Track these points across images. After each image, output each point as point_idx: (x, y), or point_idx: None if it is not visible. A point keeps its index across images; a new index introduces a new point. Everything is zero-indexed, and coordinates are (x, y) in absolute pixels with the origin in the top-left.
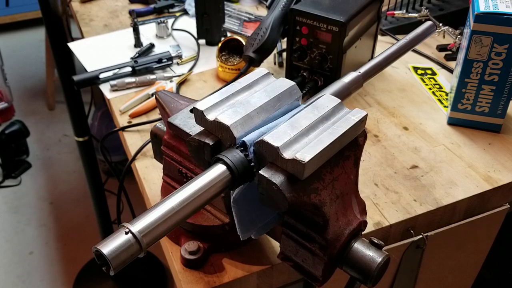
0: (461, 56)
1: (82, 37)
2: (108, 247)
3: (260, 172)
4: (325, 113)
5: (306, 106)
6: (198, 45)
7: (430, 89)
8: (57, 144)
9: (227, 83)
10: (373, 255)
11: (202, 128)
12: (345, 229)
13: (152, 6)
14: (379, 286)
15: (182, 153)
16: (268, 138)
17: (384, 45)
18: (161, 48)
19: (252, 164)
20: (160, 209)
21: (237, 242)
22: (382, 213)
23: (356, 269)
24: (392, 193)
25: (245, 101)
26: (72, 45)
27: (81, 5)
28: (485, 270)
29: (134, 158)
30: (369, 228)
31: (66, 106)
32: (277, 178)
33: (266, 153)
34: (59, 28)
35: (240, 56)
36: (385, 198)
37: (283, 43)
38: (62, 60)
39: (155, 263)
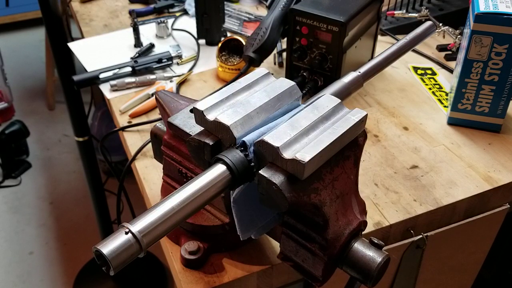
0: (461, 56)
1: (82, 37)
2: (108, 247)
3: (260, 172)
4: (325, 113)
5: (306, 106)
6: (198, 45)
7: (430, 89)
8: (57, 144)
9: (227, 83)
10: (373, 255)
11: (202, 128)
12: (345, 229)
13: (152, 6)
14: (379, 286)
15: (182, 153)
16: (268, 138)
17: (384, 45)
18: (161, 48)
19: (252, 164)
20: (160, 209)
21: (237, 242)
22: (382, 213)
23: (356, 269)
24: (392, 193)
25: (245, 101)
26: (72, 45)
27: (81, 5)
28: (485, 270)
29: (134, 158)
30: (369, 228)
31: (66, 106)
32: (277, 178)
33: (266, 153)
34: (59, 28)
35: (240, 56)
36: (385, 198)
37: (283, 43)
38: (62, 60)
39: (155, 263)
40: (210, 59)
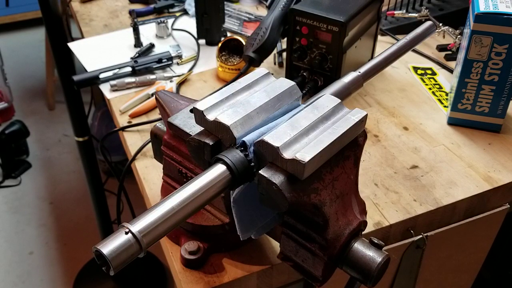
0: (461, 56)
1: (82, 37)
2: (108, 247)
3: (260, 172)
4: (325, 113)
5: (306, 106)
6: (198, 45)
7: (430, 89)
8: (57, 144)
9: (227, 83)
10: (373, 255)
11: (202, 128)
12: (345, 229)
13: (152, 6)
14: (379, 286)
15: (182, 153)
16: (268, 138)
17: (384, 45)
18: (161, 48)
19: (252, 164)
20: (160, 209)
21: (237, 242)
22: (382, 213)
23: (356, 269)
24: (392, 193)
25: (245, 101)
26: (72, 45)
27: (81, 5)
28: (485, 270)
29: (134, 158)
30: (369, 228)
31: (66, 106)
32: (277, 178)
33: (266, 153)
34: (59, 28)
35: (240, 56)
36: (385, 198)
37: (283, 43)
38: (62, 60)
39: (155, 263)
40: (210, 59)
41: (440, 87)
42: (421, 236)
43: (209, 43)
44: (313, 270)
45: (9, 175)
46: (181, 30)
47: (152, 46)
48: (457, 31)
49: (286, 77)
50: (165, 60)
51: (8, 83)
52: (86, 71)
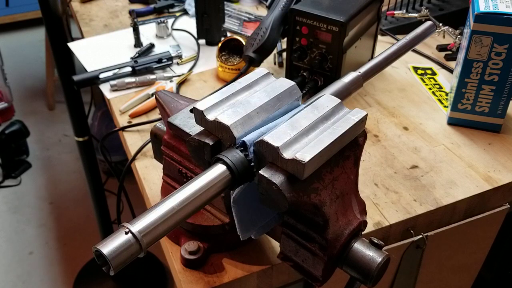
0: (461, 56)
1: (82, 37)
2: (108, 247)
3: (260, 172)
4: (325, 113)
5: (306, 106)
6: (198, 45)
7: (430, 89)
8: (57, 144)
9: (227, 83)
10: (373, 255)
11: (202, 128)
12: (345, 229)
13: (152, 6)
14: (379, 286)
15: (182, 153)
16: (268, 138)
17: (384, 45)
18: (161, 48)
19: (252, 164)
20: (160, 209)
21: (237, 242)
22: (382, 213)
23: (356, 269)
24: (392, 193)
25: (245, 101)
26: (72, 45)
27: (81, 5)
28: (485, 270)
29: (134, 158)
30: (369, 228)
31: (66, 106)
32: (277, 178)
33: (266, 153)
34: (59, 28)
35: (240, 56)
36: (385, 198)
37: (283, 43)
38: (62, 60)
39: (155, 263)
40: (210, 59)
41: (440, 87)
42: (421, 236)
43: (209, 43)
44: (313, 270)
45: (9, 175)
46: (181, 30)
47: (152, 46)
48: (457, 31)
49: (286, 77)
50: (165, 60)
51: (8, 83)
52: (86, 71)
